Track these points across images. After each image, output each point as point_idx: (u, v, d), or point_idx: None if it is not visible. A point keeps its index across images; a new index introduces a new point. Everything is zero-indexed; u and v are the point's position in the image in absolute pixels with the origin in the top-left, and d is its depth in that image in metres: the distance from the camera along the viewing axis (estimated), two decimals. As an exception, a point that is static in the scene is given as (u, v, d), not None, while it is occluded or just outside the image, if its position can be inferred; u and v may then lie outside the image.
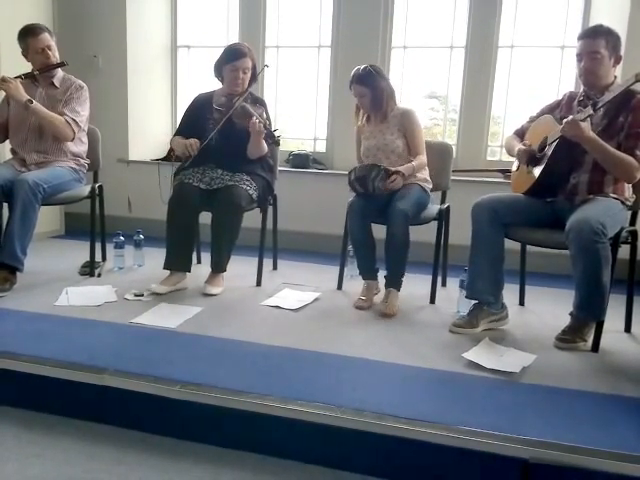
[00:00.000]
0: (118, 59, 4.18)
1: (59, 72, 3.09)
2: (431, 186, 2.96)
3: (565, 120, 2.29)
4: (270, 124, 2.94)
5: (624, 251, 2.41)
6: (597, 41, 2.31)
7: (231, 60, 2.91)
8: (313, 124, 4.26)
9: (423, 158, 2.89)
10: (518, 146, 2.57)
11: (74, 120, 2.99)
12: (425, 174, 2.94)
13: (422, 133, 2.94)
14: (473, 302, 2.50)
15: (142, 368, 1.94)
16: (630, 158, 2.26)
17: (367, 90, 2.84)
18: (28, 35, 2.95)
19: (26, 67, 3.02)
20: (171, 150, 3.32)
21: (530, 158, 2.52)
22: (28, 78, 2.97)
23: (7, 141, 3.14)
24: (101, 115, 3.60)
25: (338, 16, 3.96)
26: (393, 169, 2.73)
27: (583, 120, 2.25)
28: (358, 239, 2.81)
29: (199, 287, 2.88)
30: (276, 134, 2.85)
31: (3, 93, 2.95)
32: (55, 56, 3.03)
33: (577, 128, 2.23)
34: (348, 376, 1.97)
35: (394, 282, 2.73)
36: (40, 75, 3.00)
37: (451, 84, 3.97)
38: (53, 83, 3.06)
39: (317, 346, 2.22)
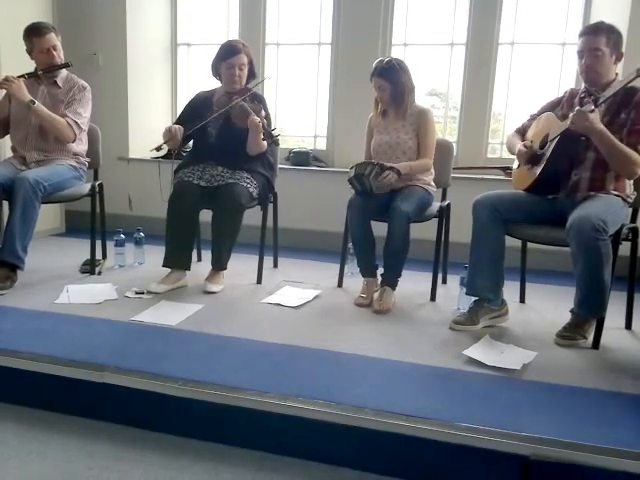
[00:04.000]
0: (118, 57, 4.18)
1: (63, 71, 3.08)
2: (435, 189, 2.93)
3: (576, 110, 2.25)
4: (269, 122, 2.94)
5: (625, 248, 2.41)
6: (598, 38, 2.30)
7: (226, 57, 2.90)
8: (313, 121, 4.26)
9: (428, 161, 2.84)
10: (518, 145, 2.56)
11: (75, 122, 2.99)
12: (429, 178, 2.91)
13: (434, 137, 2.87)
14: (473, 299, 2.50)
15: (142, 365, 1.94)
16: (635, 153, 2.26)
17: (387, 84, 2.78)
18: (33, 34, 2.93)
19: (27, 66, 3.01)
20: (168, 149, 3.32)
21: (530, 158, 2.51)
22: (31, 77, 2.95)
23: (7, 141, 3.13)
24: (101, 113, 3.59)
25: (338, 13, 3.95)
26: (387, 165, 2.70)
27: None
28: (358, 236, 2.80)
29: (199, 285, 2.88)
30: (275, 133, 2.84)
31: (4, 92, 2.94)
32: (60, 56, 3.01)
33: (586, 119, 2.21)
34: (348, 373, 1.97)
35: (390, 282, 2.72)
36: (43, 75, 2.99)
37: (452, 81, 3.97)
38: (56, 82, 3.05)
39: (317, 343, 2.22)
